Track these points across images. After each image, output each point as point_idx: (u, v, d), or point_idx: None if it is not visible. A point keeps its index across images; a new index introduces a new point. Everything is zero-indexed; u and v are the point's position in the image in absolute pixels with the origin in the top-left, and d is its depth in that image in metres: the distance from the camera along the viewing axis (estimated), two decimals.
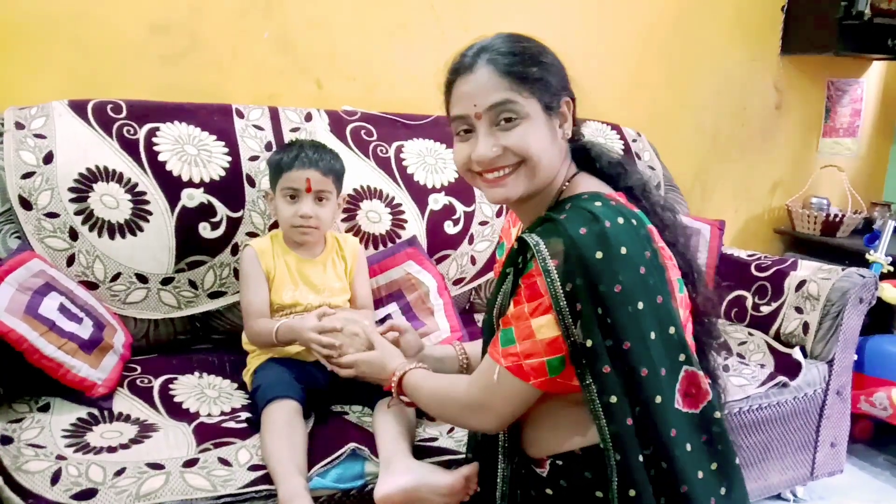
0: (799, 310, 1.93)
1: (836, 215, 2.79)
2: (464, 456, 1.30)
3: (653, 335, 0.99)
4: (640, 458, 0.97)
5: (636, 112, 2.61)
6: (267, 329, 1.50)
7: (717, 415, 1.04)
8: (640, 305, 0.98)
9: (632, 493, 0.97)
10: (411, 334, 1.42)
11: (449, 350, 1.40)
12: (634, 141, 2.44)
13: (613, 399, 0.97)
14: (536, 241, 0.99)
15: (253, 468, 1.28)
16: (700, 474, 1.01)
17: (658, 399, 0.98)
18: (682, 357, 1.02)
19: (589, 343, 0.97)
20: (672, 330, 1.01)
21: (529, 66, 1.05)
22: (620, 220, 1.00)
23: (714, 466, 1.03)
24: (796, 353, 1.88)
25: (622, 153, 1.28)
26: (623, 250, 0.97)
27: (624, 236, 0.98)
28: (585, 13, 2.48)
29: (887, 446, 2.35)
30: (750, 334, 2.02)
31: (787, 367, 1.84)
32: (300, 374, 1.49)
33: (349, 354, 1.33)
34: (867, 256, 2.37)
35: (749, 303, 2.08)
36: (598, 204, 1.02)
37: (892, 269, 2.31)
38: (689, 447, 1.00)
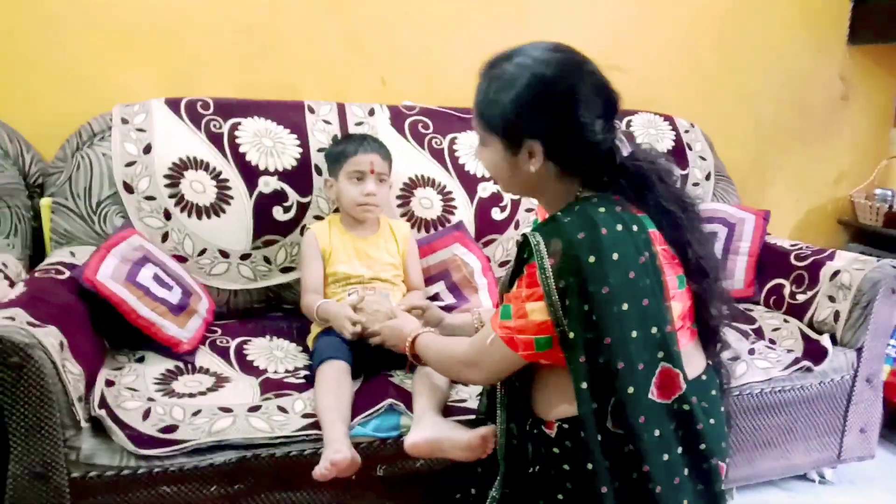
0: (832, 299, 2.00)
1: None
2: (478, 417, 1.48)
3: (634, 333, 1.09)
4: (600, 439, 1.10)
5: (691, 102, 2.67)
6: (310, 305, 1.75)
7: (687, 407, 1.14)
8: (625, 307, 1.08)
9: (589, 466, 1.11)
10: (433, 310, 1.64)
11: (467, 318, 1.60)
12: (687, 132, 2.51)
13: (583, 385, 1.10)
14: (538, 240, 1.12)
15: (305, 416, 1.50)
16: (665, 457, 1.12)
17: (630, 390, 1.09)
18: (660, 354, 1.12)
19: (571, 335, 1.09)
20: (655, 330, 1.11)
21: (488, 109, 1.18)
22: (619, 227, 1.10)
23: (680, 451, 1.14)
24: (825, 340, 1.94)
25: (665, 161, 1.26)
26: (615, 256, 1.08)
27: (618, 243, 1.09)
28: (639, 1, 2.54)
29: None
30: (785, 321, 2.09)
31: (814, 353, 1.91)
32: (352, 342, 1.70)
33: (376, 326, 1.55)
34: None
35: (787, 291, 2.15)
36: (601, 210, 1.12)
37: None
38: (657, 433, 1.11)
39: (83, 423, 1.36)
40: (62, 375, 1.30)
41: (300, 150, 2.01)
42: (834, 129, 2.94)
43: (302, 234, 1.97)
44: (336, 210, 1.96)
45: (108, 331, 1.63)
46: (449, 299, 1.97)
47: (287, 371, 1.69)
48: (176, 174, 1.89)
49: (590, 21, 2.49)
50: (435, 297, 1.98)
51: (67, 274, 1.61)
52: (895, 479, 2.15)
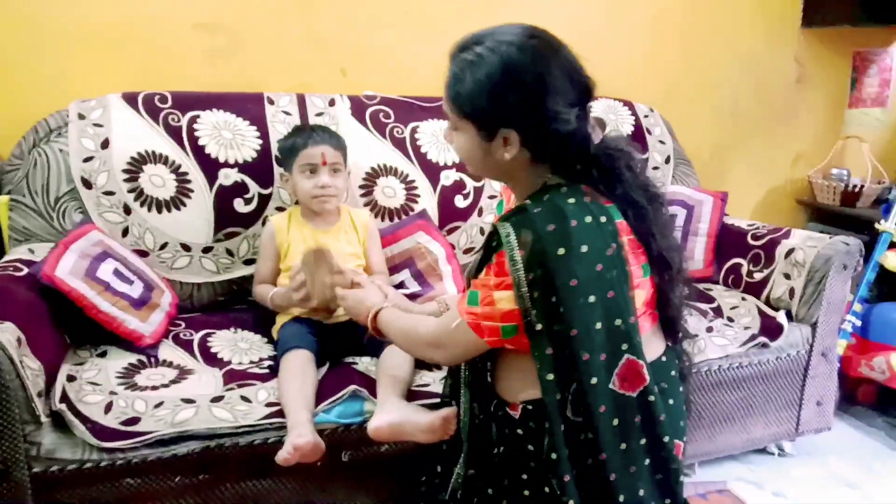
0: (787, 276, 2.05)
1: (854, 185, 2.84)
2: (442, 399, 1.50)
3: (598, 325, 1.10)
4: (563, 427, 1.12)
5: (652, 88, 2.70)
6: (262, 295, 1.79)
7: (651, 398, 1.16)
8: (592, 299, 1.09)
9: (553, 455, 1.13)
10: (398, 300, 1.64)
11: (433, 306, 1.61)
12: (646, 117, 2.55)
13: (550, 377, 1.12)
14: (508, 231, 1.11)
15: (269, 405, 1.51)
16: (623, 446, 1.14)
17: (594, 381, 1.10)
18: (624, 346, 1.13)
19: (538, 327, 1.10)
20: (619, 322, 1.12)
21: (461, 96, 1.15)
22: (588, 219, 1.10)
23: (643, 441, 1.17)
24: (780, 317, 1.99)
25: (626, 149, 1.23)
26: (584, 248, 1.08)
27: (587, 235, 1.09)
28: None
29: (888, 409, 2.43)
30: (743, 299, 2.14)
31: (770, 329, 1.96)
32: (317, 331, 1.71)
33: (340, 290, 1.54)
34: (876, 226, 2.44)
35: (744, 270, 2.20)
36: (571, 200, 1.12)
37: None
38: (616, 422, 1.13)
39: (43, 419, 1.36)
40: (20, 371, 1.30)
41: (260, 141, 2.01)
42: (791, 111, 2.99)
43: (264, 225, 1.97)
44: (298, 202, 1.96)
45: (69, 327, 1.62)
46: (414, 287, 1.99)
47: (251, 362, 1.70)
48: (135, 169, 1.89)
49: (555, 9, 2.51)
50: (400, 286, 1.99)
51: (26, 271, 1.60)
52: (851, 449, 2.22)
